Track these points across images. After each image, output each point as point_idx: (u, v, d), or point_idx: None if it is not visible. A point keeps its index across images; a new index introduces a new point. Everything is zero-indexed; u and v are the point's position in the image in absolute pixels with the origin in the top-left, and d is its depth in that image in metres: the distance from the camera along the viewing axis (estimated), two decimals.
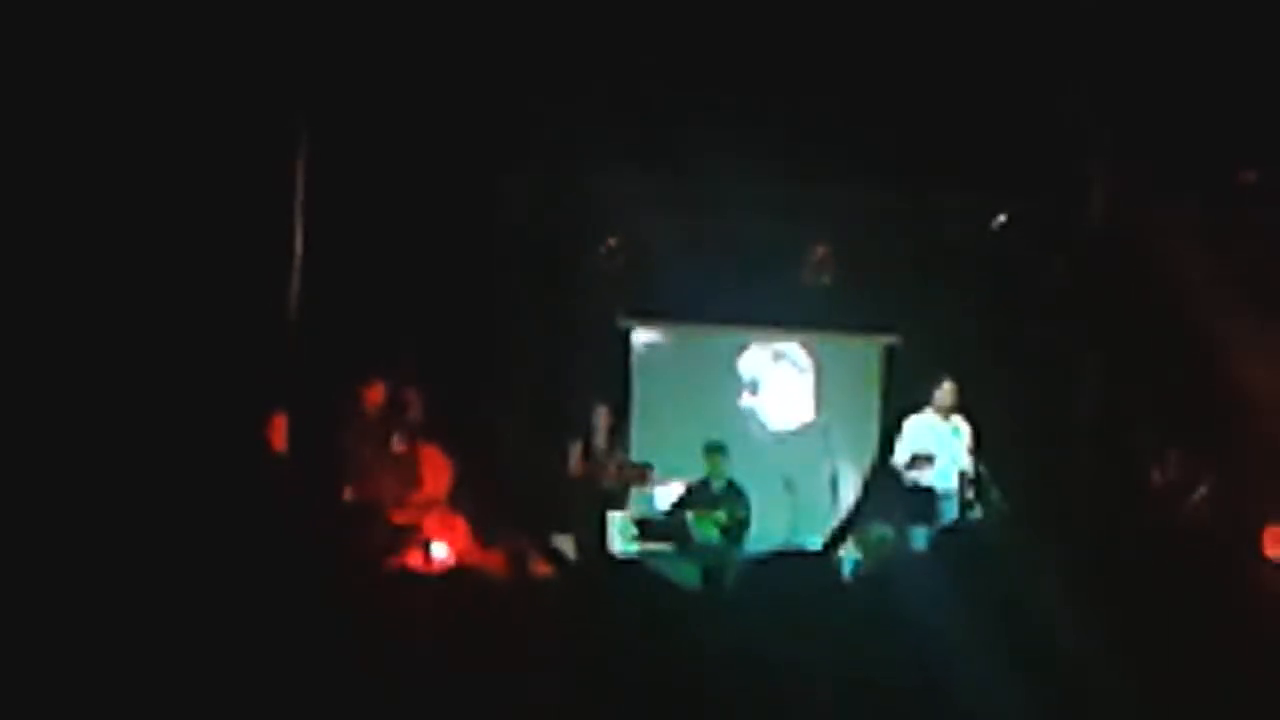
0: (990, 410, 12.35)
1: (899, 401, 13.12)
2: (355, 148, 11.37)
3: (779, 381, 14.46)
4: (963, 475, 12.01)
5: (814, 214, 13.44)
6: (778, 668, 3.43)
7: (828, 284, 13.65)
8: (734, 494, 12.54)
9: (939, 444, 12.12)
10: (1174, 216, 11.72)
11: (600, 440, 12.68)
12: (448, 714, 3.61)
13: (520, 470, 12.63)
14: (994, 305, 13.31)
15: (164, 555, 4.27)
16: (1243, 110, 11.39)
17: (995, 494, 11.99)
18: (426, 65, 11.26)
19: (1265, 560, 9.52)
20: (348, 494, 10.97)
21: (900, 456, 12.18)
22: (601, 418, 12.76)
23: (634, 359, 14.30)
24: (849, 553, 11.66)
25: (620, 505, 12.62)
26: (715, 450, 12.63)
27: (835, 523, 12.46)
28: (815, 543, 12.02)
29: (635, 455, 13.18)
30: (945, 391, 12.17)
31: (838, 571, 3.86)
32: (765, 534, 12.34)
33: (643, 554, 11.89)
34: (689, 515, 12.37)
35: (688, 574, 11.46)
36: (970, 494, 12.01)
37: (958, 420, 12.20)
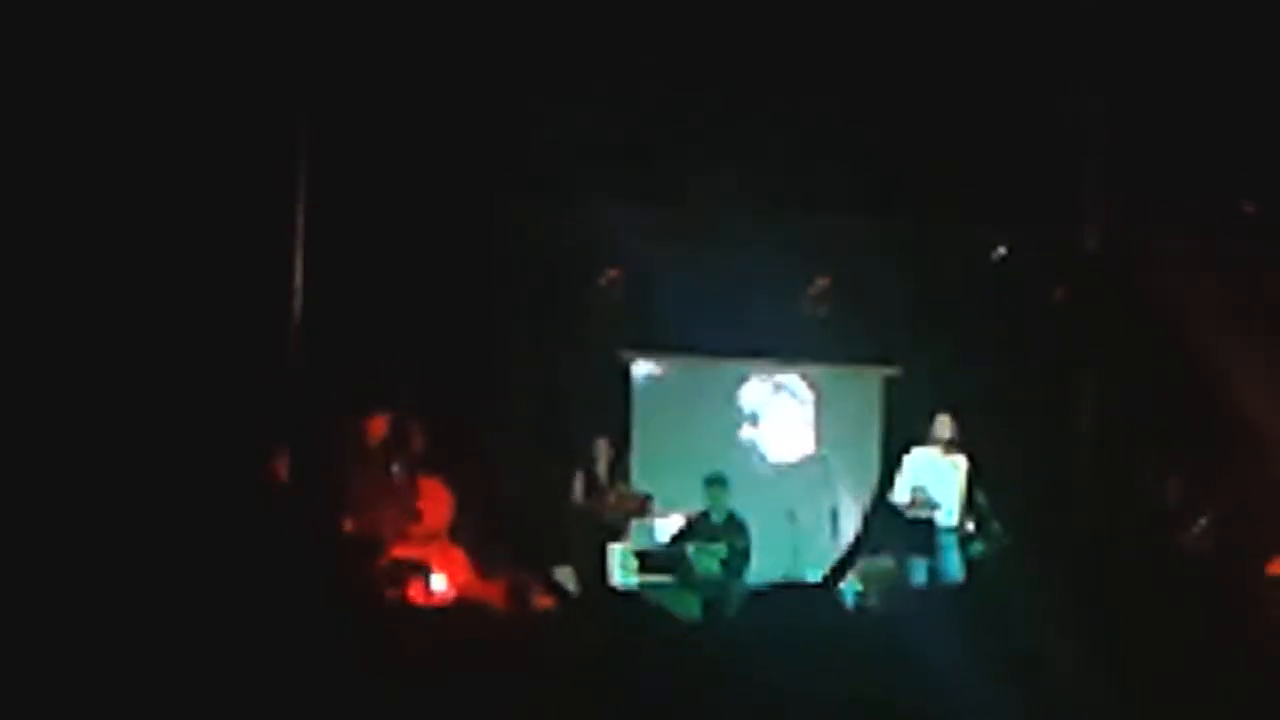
0: (991, 441, 12.34)
1: (899, 433, 13.12)
2: (357, 177, 11.40)
3: (779, 413, 14.46)
4: (963, 508, 12.01)
5: (814, 245, 13.45)
6: (779, 700, 3.42)
7: (828, 316, 13.66)
8: (734, 526, 12.52)
9: (938, 478, 12.10)
10: (1172, 246, 11.73)
11: (601, 472, 12.68)
12: None
13: (521, 502, 12.63)
14: (994, 336, 13.31)
15: (168, 585, 4.26)
16: (1241, 139, 11.42)
17: (996, 526, 11.99)
18: (429, 96, 11.30)
19: (1270, 584, 9.52)
20: (348, 526, 10.95)
21: (900, 491, 12.16)
22: (602, 450, 12.76)
23: (634, 391, 14.29)
24: (849, 583, 11.65)
25: (621, 537, 12.61)
26: (715, 482, 12.61)
27: (836, 555, 12.45)
28: (816, 575, 12.01)
29: (636, 487, 13.17)
30: (943, 424, 12.15)
31: (839, 604, 3.85)
32: (766, 566, 12.32)
33: (643, 586, 11.87)
34: (689, 547, 12.34)
35: (688, 606, 11.44)
36: (971, 526, 12.00)
37: (956, 454, 12.18)
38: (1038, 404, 12.77)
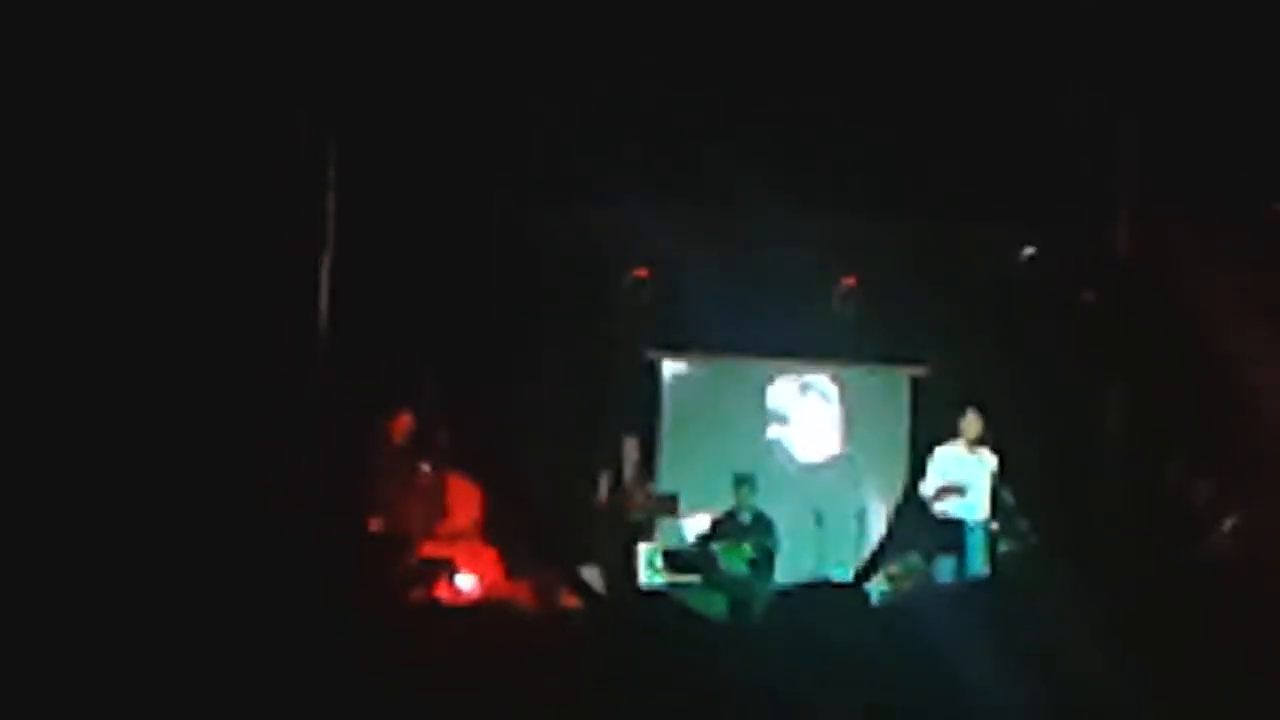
0: (1018, 441, 12.32)
1: (927, 433, 13.10)
2: (384, 178, 11.42)
3: (807, 413, 14.45)
4: (991, 506, 11.99)
5: (843, 245, 13.43)
6: (806, 700, 3.42)
7: (856, 315, 13.64)
8: (762, 525, 12.52)
9: (966, 475, 12.09)
10: (1202, 246, 11.69)
11: (629, 472, 12.68)
12: None
13: (548, 502, 12.64)
14: (1022, 336, 13.27)
15: (191, 586, 4.28)
16: (1273, 140, 11.37)
17: (1023, 524, 11.96)
18: (456, 99, 11.32)
19: None
20: (376, 524, 10.99)
21: (928, 487, 12.15)
22: (630, 449, 12.77)
23: (662, 390, 14.30)
24: (877, 582, 11.65)
25: (648, 537, 12.62)
26: (743, 482, 12.62)
27: (864, 554, 12.46)
28: (843, 574, 12.02)
29: (663, 486, 13.18)
30: (970, 422, 12.14)
31: (867, 603, 3.84)
32: (793, 565, 12.32)
33: (670, 585, 11.88)
34: (717, 547, 12.35)
35: (715, 605, 11.45)
36: (998, 524, 11.97)
37: (984, 451, 12.17)
38: (1065, 404, 12.73)
